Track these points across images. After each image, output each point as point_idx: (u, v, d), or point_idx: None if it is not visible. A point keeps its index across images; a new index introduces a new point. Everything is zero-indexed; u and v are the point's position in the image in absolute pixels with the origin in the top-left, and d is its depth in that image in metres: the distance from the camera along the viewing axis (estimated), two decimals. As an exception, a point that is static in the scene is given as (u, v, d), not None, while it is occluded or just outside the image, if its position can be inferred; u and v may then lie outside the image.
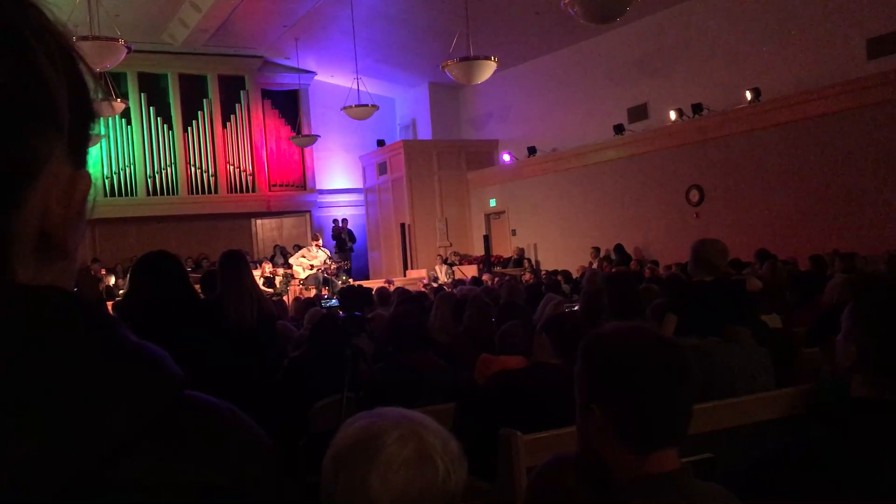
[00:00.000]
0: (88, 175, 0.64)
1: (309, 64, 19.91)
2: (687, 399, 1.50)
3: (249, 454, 0.64)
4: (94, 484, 0.55)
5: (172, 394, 0.61)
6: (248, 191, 20.00)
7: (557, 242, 17.18)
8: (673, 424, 1.48)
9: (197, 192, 19.40)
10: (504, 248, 18.65)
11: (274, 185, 20.49)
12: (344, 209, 21.45)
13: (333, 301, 11.22)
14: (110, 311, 7.93)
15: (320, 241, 16.02)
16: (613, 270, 10.83)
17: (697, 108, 14.28)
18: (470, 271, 16.68)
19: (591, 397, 1.49)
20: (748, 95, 13.38)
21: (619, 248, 15.06)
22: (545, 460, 1.64)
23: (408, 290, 8.86)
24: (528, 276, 15.01)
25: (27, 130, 0.58)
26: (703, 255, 4.21)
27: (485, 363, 3.64)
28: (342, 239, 19.31)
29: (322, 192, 21.39)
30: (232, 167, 19.79)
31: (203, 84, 19.60)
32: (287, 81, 20.46)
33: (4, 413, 0.52)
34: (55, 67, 0.60)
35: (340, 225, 19.78)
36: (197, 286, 6.35)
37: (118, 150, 18.58)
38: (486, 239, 18.42)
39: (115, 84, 16.10)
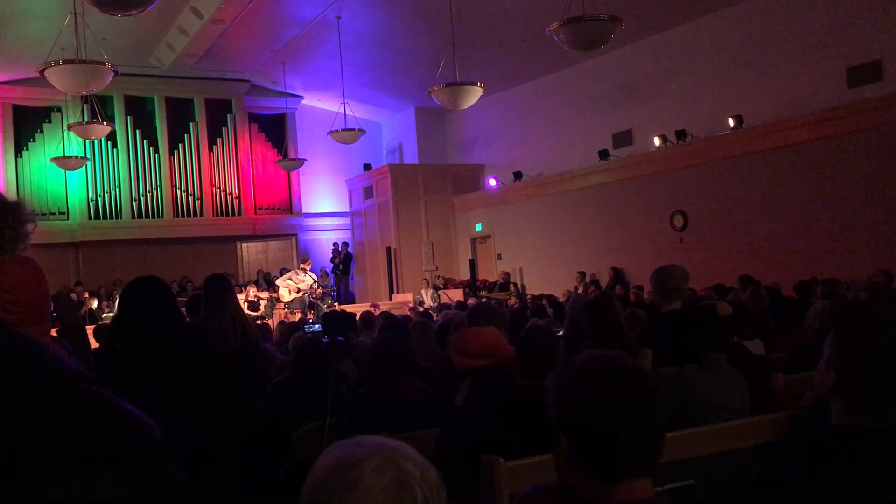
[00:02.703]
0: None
1: (296, 88, 19.98)
2: (655, 428, 1.48)
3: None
4: None
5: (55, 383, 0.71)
6: (233, 214, 19.95)
7: (543, 267, 17.22)
8: (641, 454, 1.47)
9: (182, 216, 19.34)
10: (490, 272, 18.67)
11: (260, 209, 20.46)
12: (330, 233, 21.45)
13: (317, 326, 11.18)
14: (92, 336, 7.86)
15: (308, 265, 15.99)
16: (597, 294, 10.85)
17: (681, 135, 14.42)
18: (455, 295, 16.67)
19: (560, 429, 1.50)
20: (731, 122, 13.54)
21: (615, 272, 15.17)
22: (525, 490, 1.64)
23: (393, 315, 8.84)
24: (513, 300, 15.01)
25: None
26: (667, 283, 4.23)
27: (461, 337, 3.62)
28: (336, 264, 19.68)
29: (308, 215, 21.37)
30: (218, 190, 19.76)
31: (190, 107, 19.60)
32: (274, 105, 20.50)
33: None
34: None
35: (340, 248, 19.99)
36: (182, 310, 6.31)
37: (104, 172, 18.52)
38: (472, 263, 18.43)
39: (101, 107, 16.07)
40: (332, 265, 19.98)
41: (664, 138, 14.78)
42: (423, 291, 17.64)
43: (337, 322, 6.71)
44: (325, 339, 4.17)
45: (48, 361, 0.73)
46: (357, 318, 8.10)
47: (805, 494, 1.68)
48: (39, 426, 0.67)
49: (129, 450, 0.72)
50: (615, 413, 1.44)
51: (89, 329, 8.65)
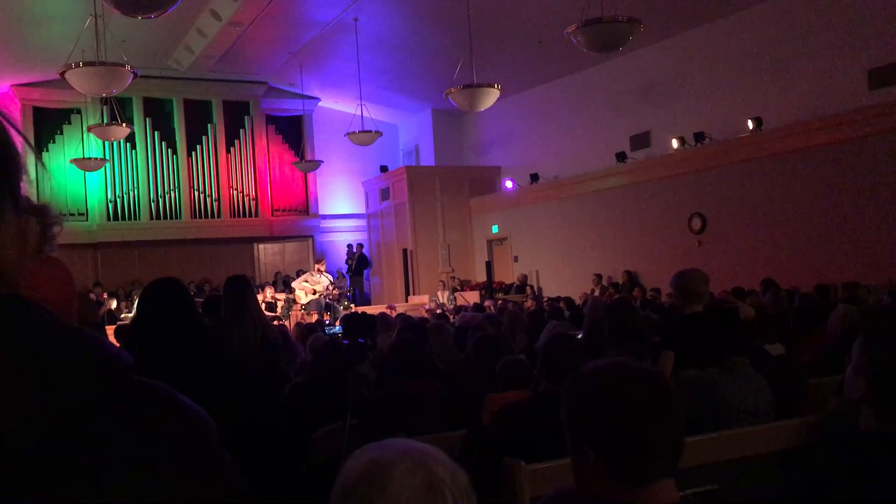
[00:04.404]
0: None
1: (313, 90, 20.04)
2: (674, 429, 1.50)
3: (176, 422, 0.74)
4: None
5: (114, 374, 0.71)
6: (250, 215, 20.04)
7: (560, 269, 17.18)
8: (664, 455, 1.48)
9: (200, 217, 19.45)
10: (506, 274, 18.65)
11: (277, 210, 20.54)
12: (346, 234, 21.50)
13: (337, 328, 11.21)
14: (112, 337, 7.92)
15: (323, 266, 16.04)
16: (616, 296, 10.80)
17: (699, 137, 14.34)
18: (472, 297, 16.65)
19: (581, 438, 1.50)
20: (750, 125, 13.44)
21: (629, 275, 15.13)
22: (549, 494, 1.63)
23: (410, 317, 8.85)
24: (530, 302, 14.98)
25: None
26: (687, 287, 4.22)
27: (492, 402, 3.62)
28: (350, 265, 19.80)
29: (324, 217, 21.43)
30: (235, 192, 19.85)
31: (208, 109, 19.72)
32: (291, 107, 20.58)
33: None
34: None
35: (354, 250, 20.08)
36: (199, 311, 6.34)
37: (122, 174, 18.66)
38: (489, 265, 18.42)
39: (120, 109, 16.20)
40: (346, 266, 20.07)
41: (682, 140, 14.70)
42: (439, 293, 17.65)
43: (357, 324, 6.72)
44: (345, 342, 4.18)
45: (102, 352, 0.74)
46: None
47: (834, 499, 1.66)
48: (98, 418, 0.68)
49: (188, 443, 0.72)
50: (638, 416, 1.46)
51: (109, 330, 8.72)
